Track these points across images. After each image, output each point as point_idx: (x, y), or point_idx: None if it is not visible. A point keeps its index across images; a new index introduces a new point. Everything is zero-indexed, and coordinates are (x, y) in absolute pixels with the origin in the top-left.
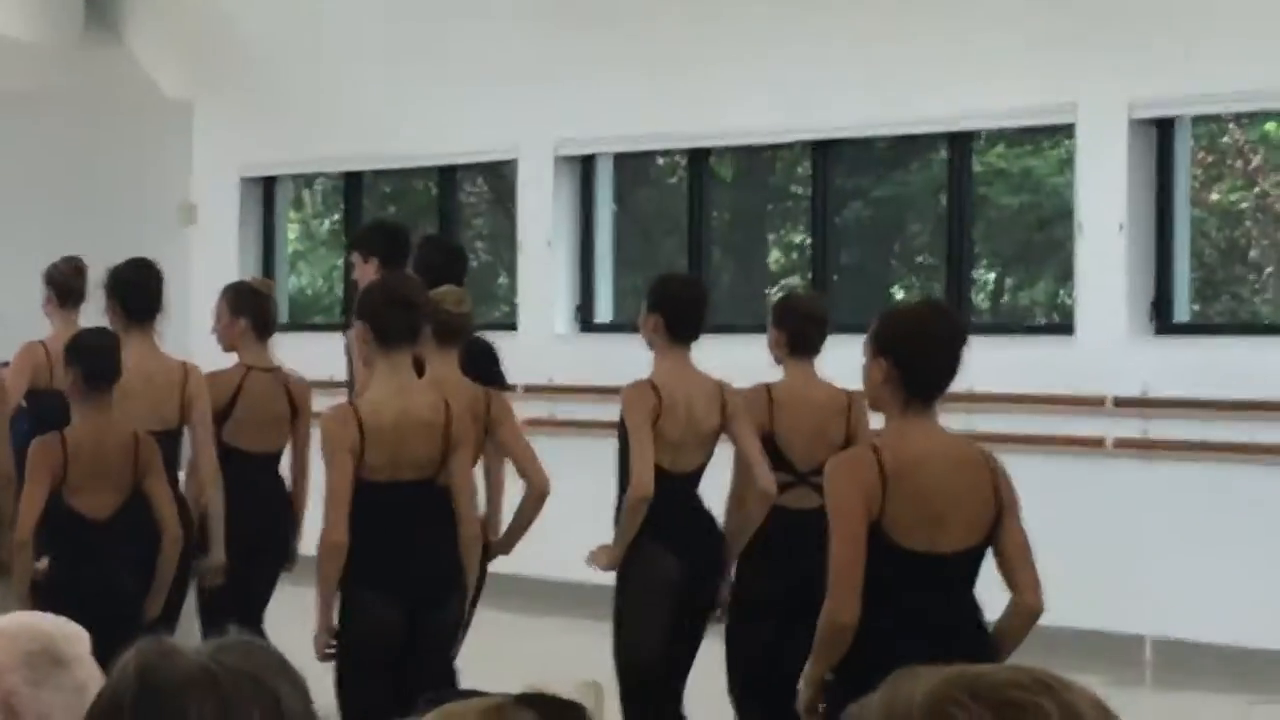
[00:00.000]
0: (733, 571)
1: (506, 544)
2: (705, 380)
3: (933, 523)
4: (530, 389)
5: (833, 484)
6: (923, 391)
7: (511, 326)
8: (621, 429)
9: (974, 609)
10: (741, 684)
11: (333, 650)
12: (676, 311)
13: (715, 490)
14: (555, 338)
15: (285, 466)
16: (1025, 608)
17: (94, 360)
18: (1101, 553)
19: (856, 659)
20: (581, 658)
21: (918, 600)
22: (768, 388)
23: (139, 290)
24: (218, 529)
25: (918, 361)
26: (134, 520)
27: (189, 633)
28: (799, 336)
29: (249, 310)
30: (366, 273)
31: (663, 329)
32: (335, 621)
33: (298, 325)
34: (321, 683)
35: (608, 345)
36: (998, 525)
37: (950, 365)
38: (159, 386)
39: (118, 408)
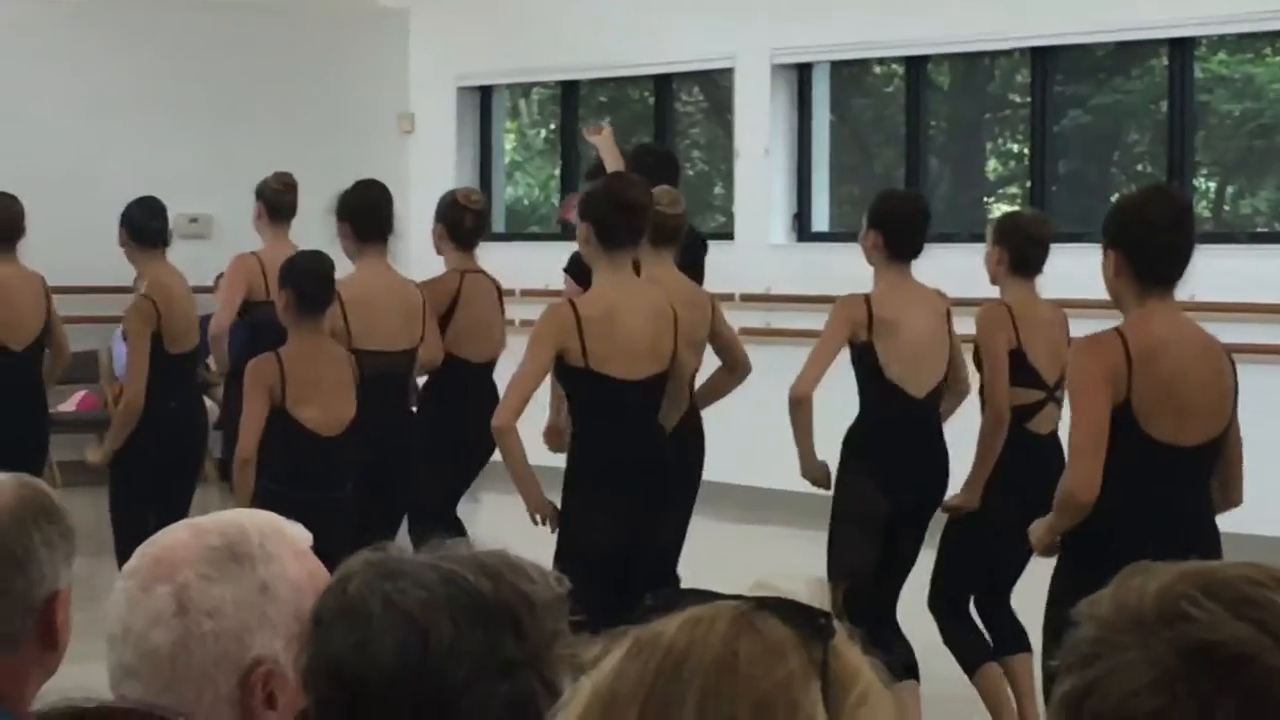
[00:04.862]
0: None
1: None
2: (927, 293)
3: (1178, 413)
4: (747, 298)
5: (1077, 363)
6: (1154, 276)
7: (728, 236)
8: (851, 345)
9: (1209, 502)
10: (949, 596)
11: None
12: (895, 229)
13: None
14: (772, 247)
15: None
16: (1226, 500)
17: (308, 283)
18: None
19: (1099, 550)
20: (795, 565)
21: (1163, 491)
22: (1006, 304)
23: (370, 213)
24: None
25: (1142, 247)
26: (359, 436)
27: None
28: (1021, 257)
29: (443, 217)
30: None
31: (882, 246)
32: (545, 504)
33: (513, 235)
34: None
35: (824, 254)
36: (1234, 416)
37: (1176, 246)
38: (408, 306)
39: (369, 328)
